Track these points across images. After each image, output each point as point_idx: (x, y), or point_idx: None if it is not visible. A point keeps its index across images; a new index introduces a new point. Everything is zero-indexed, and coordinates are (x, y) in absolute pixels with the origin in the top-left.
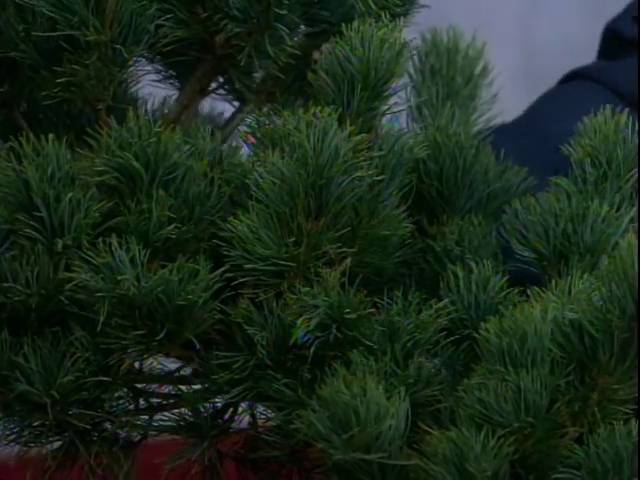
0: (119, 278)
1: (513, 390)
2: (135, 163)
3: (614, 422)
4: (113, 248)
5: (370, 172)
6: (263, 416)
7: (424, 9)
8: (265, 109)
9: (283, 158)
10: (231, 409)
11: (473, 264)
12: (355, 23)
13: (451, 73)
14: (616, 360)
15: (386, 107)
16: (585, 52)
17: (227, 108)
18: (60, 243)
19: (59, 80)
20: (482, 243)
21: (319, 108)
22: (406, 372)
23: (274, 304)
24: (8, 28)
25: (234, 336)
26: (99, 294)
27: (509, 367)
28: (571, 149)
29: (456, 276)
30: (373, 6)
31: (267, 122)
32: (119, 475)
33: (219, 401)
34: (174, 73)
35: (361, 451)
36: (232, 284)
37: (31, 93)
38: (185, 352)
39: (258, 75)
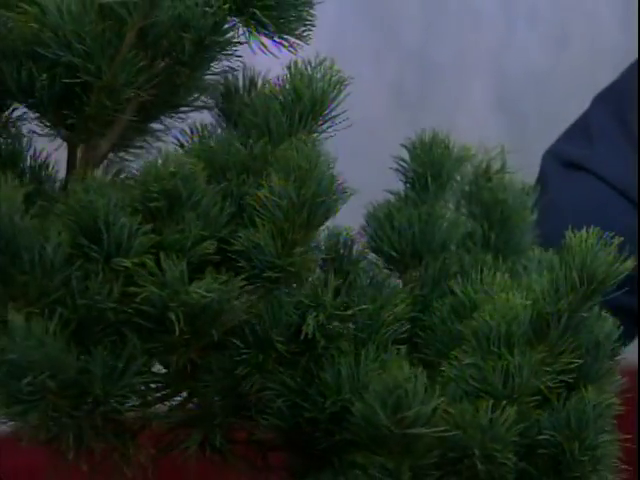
0: (182, 289)
1: (506, 368)
2: (180, 188)
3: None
4: (167, 265)
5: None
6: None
7: (409, 47)
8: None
9: (285, 181)
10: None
11: None
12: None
13: None
14: (558, 337)
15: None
16: (549, 85)
17: None
18: (127, 262)
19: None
20: None
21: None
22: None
23: (277, 305)
24: (28, 79)
25: (245, 335)
26: (172, 304)
27: (503, 348)
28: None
29: None
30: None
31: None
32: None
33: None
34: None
35: (411, 427)
36: (245, 289)
37: None
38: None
39: None
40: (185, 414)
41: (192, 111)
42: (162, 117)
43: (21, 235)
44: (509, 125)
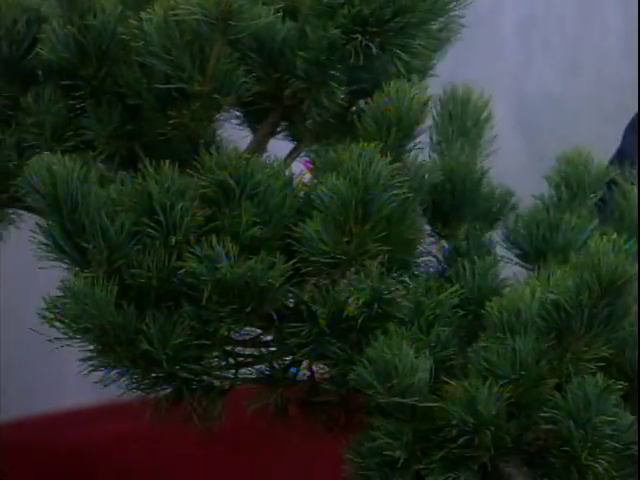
0: (218, 266)
1: (510, 351)
2: (230, 180)
3: (585, 375)
4: (213, 244)
5: (402, 191)
6: (321, 370)
7: (446, 67)
8: (319, 145)
9: (339, 179)
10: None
11: (476, 258)
12: (392, 82)
13: (463, 117)
14: (585, 329)
15: (413, 144)
16: (562, 106)
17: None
18: (173, 239)
19: (171, 121)
20: (482, 243)
21: (366, 143)
22: (428, 338)
23: (331, 287)
24: (136, 82)
25: (301, 311)
26: (203, 278)
27: (508, 334)
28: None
29: (464, 267)
30: (403, 70)
31: (324, 154)
32: (214, 413)
33: (289, 359)
34: (251, 118)
35: (399, 396)
36: (300, 272)
37: (148, 130)
38: (265, 323)
39: (310, 120)
40: (258, 377)
41: None
42: None
43: (82, 207)
44: (526, 140)
